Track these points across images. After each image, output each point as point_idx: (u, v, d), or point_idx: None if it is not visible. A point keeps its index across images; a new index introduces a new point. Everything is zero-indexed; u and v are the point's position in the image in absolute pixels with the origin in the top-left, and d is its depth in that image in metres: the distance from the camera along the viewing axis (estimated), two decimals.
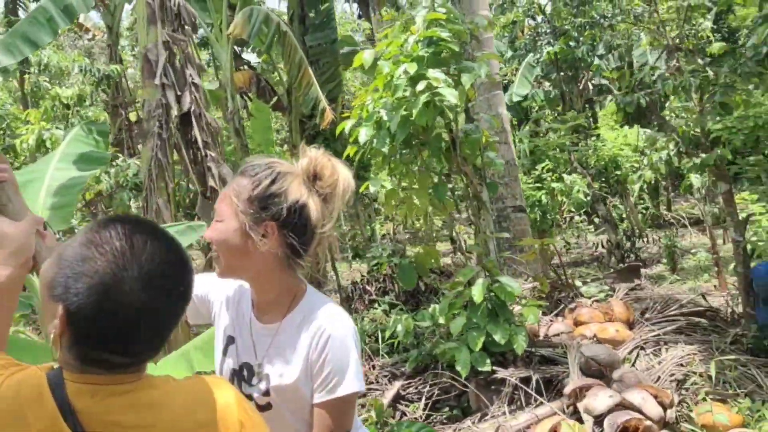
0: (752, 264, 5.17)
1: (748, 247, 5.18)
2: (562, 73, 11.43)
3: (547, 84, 14.13)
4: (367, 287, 6.73)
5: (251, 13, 6.54)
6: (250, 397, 1.48)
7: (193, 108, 4.43)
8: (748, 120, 9.25)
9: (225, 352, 1.57)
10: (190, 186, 8.20)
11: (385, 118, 4.42)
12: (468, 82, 4.24)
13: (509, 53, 14.26)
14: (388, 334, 4.98)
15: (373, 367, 5.06)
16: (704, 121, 4.82)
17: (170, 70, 4.36)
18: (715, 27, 13.89)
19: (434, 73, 4.15)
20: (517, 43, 11.91)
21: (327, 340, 1.44)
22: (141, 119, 11.34)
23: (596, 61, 12.79)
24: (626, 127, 12.01)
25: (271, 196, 1.43)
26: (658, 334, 4.94)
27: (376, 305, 6.62)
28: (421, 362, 4.79)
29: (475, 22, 4.81)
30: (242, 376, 1.52)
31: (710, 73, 4.70)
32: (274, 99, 8.78)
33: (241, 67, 9.39)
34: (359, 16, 17.71)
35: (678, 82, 4.65)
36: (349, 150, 4.96)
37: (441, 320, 4.68)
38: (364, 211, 11.79)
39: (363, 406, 4.39)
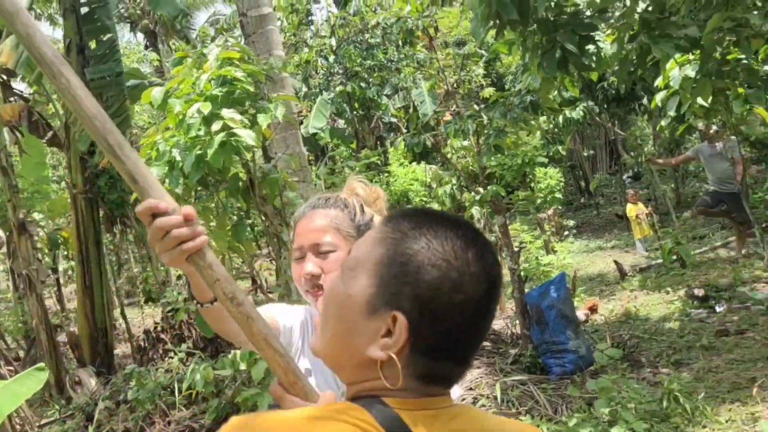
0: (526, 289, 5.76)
1: (522, 273, 5.76)
2: (354, 112, 11.89)
3: (341, 121, 14.64)
4: (162, 335, 6.29)
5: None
6: None
7: None
8: (517, 158, 10.44)
9: None
10: None
11: (178, 158, 4.21)
12: (264, 123, 4.21)
13: (304, 89, 14.59)
14: (185, 385, 4.69)
15: (168, 423, 4.72)
16: (482, 161, 5.32)
17: None
18: (485, 73, 15.52)
19: (229, 113, 4.06)
20: (311, 81, 12.18)
21: None
22: None
23: (384, 100, 13.57)
24: (414, 164, 12.84)
25: (369, 221, 1.50)
26: None
27: (171, 355, 6.22)
28: (222, 412, 4.58)
29: (270, 62, 4.82)
30: None
31: (485, 117, 5.21)
32: (50, 133, 7.96)
33: (12, 99, 8.40)
34: (146, 47, 16.91)
35: (458, 126, 5.08)
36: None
37: (243, 366, 4.51)
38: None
39: None
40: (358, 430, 0.77)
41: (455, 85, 10.51)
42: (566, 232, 13.16)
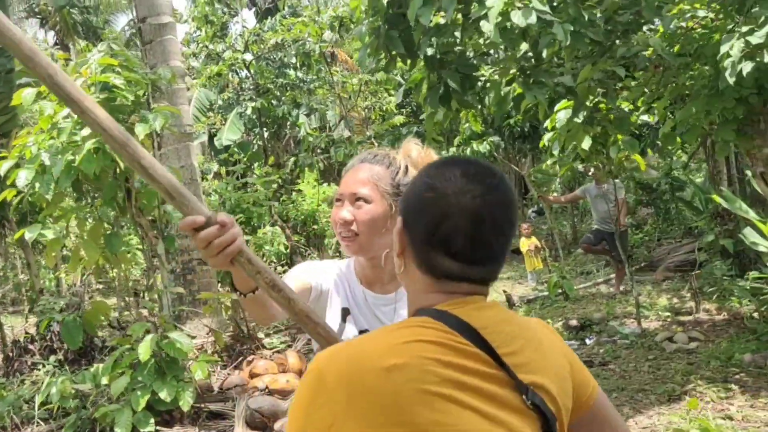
0: None
1: None
2: (264, 129, 11.85)
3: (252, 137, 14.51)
4: (30, 346, 5.99)
5: None
6: None
7: None
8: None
9: (344, 321, 1.67)
10: None
11: (47, 162, 4.09)
12: (142, 133, 4.15)
13: (219, 101, 14.39)
14: (40, 398, 4.49)
15: None
16: None
17: None
18: (406, 101, 15.83)
19: None
20: (222, 94, 12.06)
21: None
22: None
23: (302, 118, 13.60)
24: (325, 185, 12.89)
25: (408, 184, 1.47)
26: None
27: (40, 366, 5.93)
28: (80, 428, 4.40)
29: (158, 72, 4.76)
30: None
31: (375, 145, 5.34)
32: None
33: None
34: (55, 44, 16.24)
35: (348, 150, 5.18)
36: (7, 193, 4.47)
37: (105, 380, 4.38)
38: (42, 258, 10.57)
39: None
40: (425, 329, 1.01)
41: (365, 111, 10.66)
42: None
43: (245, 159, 11.77)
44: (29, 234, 4.32)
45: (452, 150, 13.16)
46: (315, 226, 11.95)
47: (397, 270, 1.15)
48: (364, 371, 0.95)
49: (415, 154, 1.63)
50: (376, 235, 1.58)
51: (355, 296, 1.70)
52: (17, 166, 4.33)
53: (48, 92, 4.17)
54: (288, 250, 10.96)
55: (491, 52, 4.84)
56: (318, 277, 1.70)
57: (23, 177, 4.18)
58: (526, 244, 10.33)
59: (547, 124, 6.95)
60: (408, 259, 1.11)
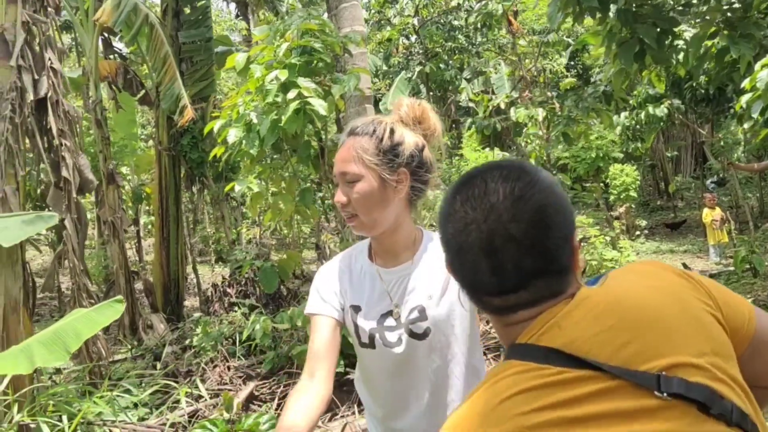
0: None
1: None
2: (431, 93, 11.97)
3: None
4: (228, 290, 6.66)
5: (120, 0, 6.31)
6: (412, 334, 1.52)
7: (50, 94, 4.21)
8: (590, 151, 10.26)
9: (356, 323, 1.57)
10: (42, 176, 7.70)
11: (255, 121, 4.47)
12: (338, 94, 4.40)
13: (384, 68, 14.76)
14: (245, 334, 5.00)
15: (228, 368, 5.05)
16: (549, 148, 5.33)
17: (28, 52, 4.12)
18: (572, 63, 15.19)
19: (305, 82, 4.26)
20: (391, 59, 12.31)
21: None
22: None
23: (463, 83, 13.56)
24: (488, 149, 12.81)
25: (397, 145, 1.49)
26: None
27: (236, 308, 6.59)
28: (277, 363, 4.86)
29: (348, 36, 4.98)
30: (383, 325, 1.55)
31: (557, 105, 5.21)
32: (142, 92, 8.45)
33: (111, 56, 8.96)
34: (237, 16, 17.43)
35: (528, 111, 5.11)
36: (217, 150, 4.95)
37: (299, 323, 4.77)
38: (231, 214, 11.61)
39: (214, 406, 4.38)
40: (510, 378, 0.91)
41: (535, 72, 10.40)
42: (638, 232, 12.86)
43: None
44: (239, 186, 4.77)
45: (624, 115, 12.48)
46: None
47: None
48: None
49: (405, 111, 1.54)
50: (376, 210, 1.49)
51: (363, 283, 1.61)
52: (228, 125, 4.78)
53: (257, 56, 4.54)
54: None
55: (693, 2, 4.50)
56: (328, 303, 1.61)
57: (233, 134, 4.61)
58: (710, 215, 9.59)
59: (746, 84, 6.35)
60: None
